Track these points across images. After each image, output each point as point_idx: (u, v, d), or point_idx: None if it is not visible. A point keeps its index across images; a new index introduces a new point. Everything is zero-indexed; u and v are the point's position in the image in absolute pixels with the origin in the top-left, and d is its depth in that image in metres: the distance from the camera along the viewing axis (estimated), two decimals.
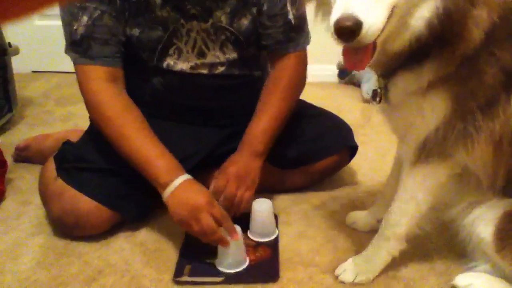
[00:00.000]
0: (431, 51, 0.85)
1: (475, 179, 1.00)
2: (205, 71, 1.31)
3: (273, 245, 1.23)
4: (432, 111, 0.91)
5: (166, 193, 1.14)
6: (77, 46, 1.20)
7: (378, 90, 0.98)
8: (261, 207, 1.25)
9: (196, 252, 1.20)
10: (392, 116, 1.02)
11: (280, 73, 1.34)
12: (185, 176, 1.17)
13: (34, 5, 0.24)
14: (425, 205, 1.03)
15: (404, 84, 0.91)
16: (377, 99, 0.99)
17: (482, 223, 1.00)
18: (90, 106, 1.22)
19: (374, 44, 0.80)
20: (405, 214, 1.05)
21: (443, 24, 0.81)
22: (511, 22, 0.85)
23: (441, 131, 0.91)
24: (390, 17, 0.79)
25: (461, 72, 0.86)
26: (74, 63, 1.22)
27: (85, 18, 1.17)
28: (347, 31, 0.74)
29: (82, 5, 1.17)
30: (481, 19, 0.82)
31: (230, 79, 1.35)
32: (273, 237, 1.26)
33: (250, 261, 1.17)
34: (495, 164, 0.95)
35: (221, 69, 1.32)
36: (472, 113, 0.89)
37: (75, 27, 1.18)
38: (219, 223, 1.12)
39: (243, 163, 1.27)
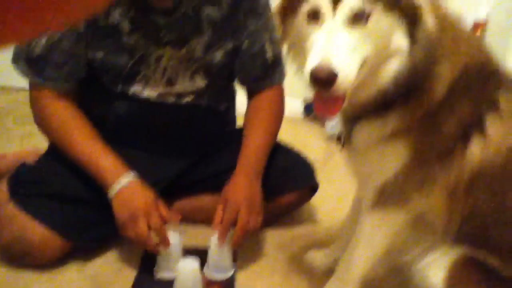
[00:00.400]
0: (396, 103, 0.88)
1: (430, 225, 1.02)
2: (171, 100, 1.31)
3: (228, 284, 1.21)
4: (393, 159, 0.94)
5: (111, 194, 1.16)
6: (32, 64, 1.21)
7: (342, 135, 1.01)
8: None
9: (150, 285, 1.17)
10: (354, 159, 1.04)
11: (259, 103, 1.38)
12: (130, 176, 1.18)
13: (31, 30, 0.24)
14: (381, 249, 1.04)
15: (368, 131, 0.94)
16: (341, 143, 1.02)
17: (434, 269, 1.02)
18: (40, 119, 1.26)
19: (344, 93, 0.82)
20: (361, 257, 1.06)
21: (409, 79, 0.85)
22: (470, 76, 0.89)
23: (400, 178, 0.94)
24: (360, 68, 0.81)
25: (423, 124, 0.89)
26: (29, 80, 1.25)
27: (43, 40, 1.18)
28: (322, 81, 0.76)
29: None
30: (444, 75, 0.86)
31: (195, 111, 1.35)
32: (230, 273, 1.24)
33: None
34: (450, 211, 0.98)
35: (188, 99, 1.32)
36: (429, 162, 0.92)
37: (32, 45, 1.19)
38: (156, 230, 1.13)
39: (248, 187, 1.24)
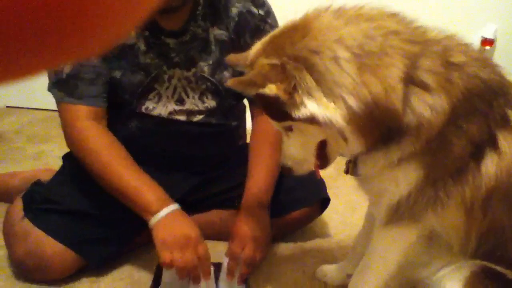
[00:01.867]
0: (393, 138, 0.88)
1: (445, 242, 1.02)
2: (182, 118, 1.32)
3: None
4: (405, 179, 0.93)
5: (154, 219, 1.14)
6: (63, 85, 1.20)
7: (347, 163, 1.01)
8: None
9: None
10: (363, 183, 1.04)
11: (266, 126, 1.35)
12: (176, 206, 1.17)
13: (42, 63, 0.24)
14: (395, 265, 1.04)
15: (373, 161, 0.93)
16: (345, 170, 1.02)
17: (450, 282, 1.01)
18: (75, 143, 1.22)
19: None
20: (374, 273, 1.06)
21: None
22: (477, 96, 0.88)
23: (413, 196, 0.94)
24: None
25: (430, 146, 0.89)
26: (59, 102, 1.22)
27: None
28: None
29: None
30: (439, 105, 0.85)
31: (207, 127, 1.37)
32: None
33: None
34: (466, 229, 0.97)
35: (199, 117, 1.34)
36: (442, 180, 0.92)
37: (61, 67, 1.19)
38: (200, 261, 1.11)
39: (254, 221, 1.25)
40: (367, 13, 0.87)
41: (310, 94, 0.82)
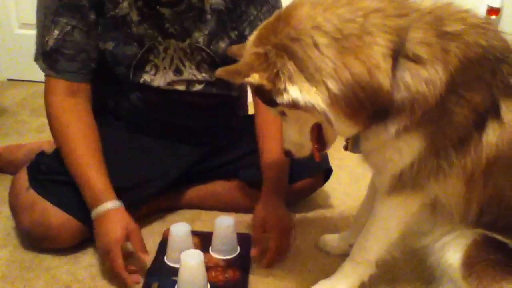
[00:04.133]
0: (389, 113, 0.88)
1: (447, 211, 1.02)
2: (182, 88, 1.32)
3: (243, 267, 1.23)
4: (408, 149, 0.93)
5: (94, 215, 1.17)
6: (46, 57, 1.23)
7: (346, 140, 1.02)
8: (224, 223, 1.24)
9: (165, 269, 1.19)
10: (366, 155, 1.04)
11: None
12: (117, 203, 1.17)
13: None
14: (397, 233, 1.05)
15: (375, 135, 0.93)
16: (344, 147, 1.03)
17: (451, 249, 1.02)
18: (48, 115, 1.26)
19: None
20: (376, 240, 1.07)
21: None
22: (478, 64, 0.87)
23: (416, 165, 0.94)
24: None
25: (431, 116, 0.89)
26: (43, 73, 1.26)
27: (56, 32, 1.20)
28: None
29: (55, 19, 1.20)
30: (435, 77, 0.84)
31: (207, 97, 1.36)
32: (234, 254, 1.26)
33: (218, 281, 1.16)
34: (467, 198, 0.98)
35: (198, 87, 1.33)
36: (445, 149, 0.92)
37: (46, 39, 1.21)
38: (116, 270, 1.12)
39: (277, 206, 1.27)
40: None
41: (291, 81, 0.84)
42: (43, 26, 1.22)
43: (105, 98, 1.38)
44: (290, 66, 0.84)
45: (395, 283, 1.20)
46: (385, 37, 0.83)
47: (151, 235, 1.35)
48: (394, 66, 0.84)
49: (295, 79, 0.84)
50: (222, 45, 1.30)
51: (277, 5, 1.32)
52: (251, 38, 0.92)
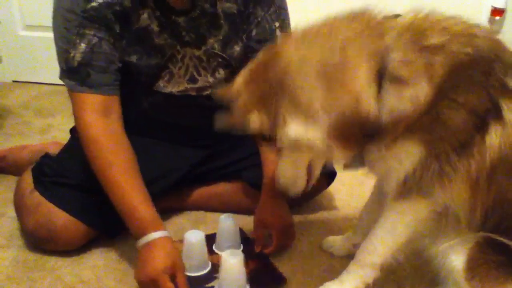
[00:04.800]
0: (376, 133, 0.91)
1: (453, 217, 1.02)
2: (193, 93, 1.33)
3: (260, 256, 1.26)
4: (406, 156, 0.94)
5: (140, 243, 1.11)
6: (74, 73, 1.16)
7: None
8: (227, 221, 1.26)
9: (192, 281, 1.15)
10: (371, 166, 1.05)
11: None
12: (164, 232, 1.12)
13: None
14: (404, 238, 1.05)
15: (368, 153, 0.97)
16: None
17: (455, 252, 1.02)
18: (81, 135, 1.18)
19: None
20: (383, 244, 1.07)
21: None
22: (468, 68, 0.88)
23: (418, 171, 0.95)
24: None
25: (421, 123, 0.90)
26: (71, 91, 1.18)
27: (82, 46, 1.14)
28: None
29: (80, 32, 1.14)
30: (420, 93, 0.86)
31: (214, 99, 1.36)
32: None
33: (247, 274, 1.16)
34: (472, 202, 0.98)
35: (209, 90, 1.34)
36: (446, 154, 0.92)
37: (72, 54, 1.15)
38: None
39: (276, 206, 1.29)
40: (327, 28, 0.91)
41: (289, 118, 0.89)
42: (67, 40, 1.15)
43: None
44: (285, 103, 0.88)
45: (399, 285, 1.20)
46: (367, 64, 0.86)
47: None
48: (379, 90, 0.87)
49: (292, 116, 0.88)
50: (237, 48, 1.30)
51: (283, 5, 1.32)
52: (240, 79, 0.95)
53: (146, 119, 1.36)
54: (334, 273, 1.16)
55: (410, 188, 0.97)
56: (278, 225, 1.27)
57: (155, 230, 1.10)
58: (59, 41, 1.17)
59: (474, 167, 0.92)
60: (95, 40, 1.15)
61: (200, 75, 1.30)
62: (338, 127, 0.87)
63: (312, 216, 1.50)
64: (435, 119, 0.89)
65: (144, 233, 1.10)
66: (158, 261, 1.05)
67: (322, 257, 1.30)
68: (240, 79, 0.95)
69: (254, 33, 1.30)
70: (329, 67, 0.86)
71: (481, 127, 0.90)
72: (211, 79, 1.32)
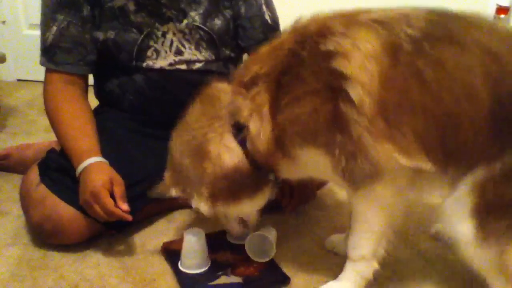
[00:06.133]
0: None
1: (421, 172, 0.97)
2: (183, 67, 1.38)
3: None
4: (307, 157, 1.01)
5: (78, 171, 1.22)
6: (46, 52, 1.33)
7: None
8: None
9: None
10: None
11: None
12: (98, 158, 1.23)
13: None
14: (378, 223, 1.05)
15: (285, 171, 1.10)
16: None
17: (458, 220, 0.95)
18: (45, 103, 1.35)
19: None
20: (362, 235, 1.08)
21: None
22: (296, 67, 0.97)
23: (334, 162, 0.97)
24: None
25: (283, 129, 1.01)
26: (44, 68, 1.35)
27: (54, 28, 1.30)
28: None
29: (53, 16, 1.30)
30: (259, 124, 1.01)
31: (207, 75, 1.36)
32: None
33: (251, 274, 1.18)
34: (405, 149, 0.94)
35: (198, 65, 1.39)
36: (330, 132, 0.95)
37: (46, 36, 1.32)
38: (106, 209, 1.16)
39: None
40: (186, 120, 1.12)
41: (190, 194, 1.10)
42: (44, 24, 1.32)
43: (110, 85, 1.41)
44: (181, 183, 1.11)
45: (403, 283, 1.20)
46: (224, 129, 1.05)
47: (155, 235, 1.36)
48: (242, 143, 1.04)
49: (190, 191, 1.10)
50: (218, 21, 1.38)
51: None
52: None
53: (143, 98, 1.39)
54: (338, 272, 1.16)
55: (346, 175, 0.98)
56: (301, 184, 1.36)
57: (90, 156, 1.22)
58: (41, 24, 1.34)
59: (363, 127, 0.91)
60: (64, 23, 1.30)
61: (184, 47, 1.38)
62: (221, 191, 1.05)
63: (315, 215, 1.49)
64: (292, 121, 0.97)
65: (81, 161, 1.22)
66: (96, 177, 1.18)
67: (326, 255, 1.30)
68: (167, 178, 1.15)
69: (242, 10, 1.39)
70: (195, 148, 1.06)
71: (333, 98, 0.93)
72: (196, 53, 1.38)
